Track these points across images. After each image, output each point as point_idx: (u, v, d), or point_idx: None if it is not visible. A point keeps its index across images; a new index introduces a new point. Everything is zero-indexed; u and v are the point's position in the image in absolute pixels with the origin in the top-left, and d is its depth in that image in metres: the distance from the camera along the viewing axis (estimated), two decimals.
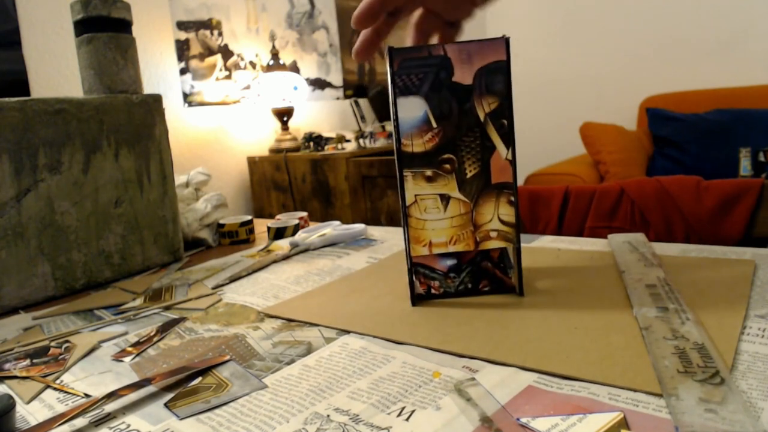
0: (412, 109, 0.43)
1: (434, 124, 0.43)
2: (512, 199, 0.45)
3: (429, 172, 0.44)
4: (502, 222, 0.45)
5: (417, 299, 0.46)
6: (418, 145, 0.43)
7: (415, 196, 0.44)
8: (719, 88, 2.72)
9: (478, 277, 0.47)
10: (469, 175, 0.45)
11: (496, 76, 0.43)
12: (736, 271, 0.46)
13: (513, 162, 0.44)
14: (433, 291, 0.46)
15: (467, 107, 0.44)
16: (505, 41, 0.42)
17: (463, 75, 0.43)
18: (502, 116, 0.44)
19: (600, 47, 3.07)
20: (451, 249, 0.45)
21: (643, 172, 2.55)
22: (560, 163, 2.64)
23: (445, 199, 0.44)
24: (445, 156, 0.44)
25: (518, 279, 0.46)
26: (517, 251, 0.45)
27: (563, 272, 0.50)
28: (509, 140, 0.44)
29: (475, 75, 0.43)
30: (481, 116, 0.44)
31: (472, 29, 3.30)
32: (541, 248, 0.59)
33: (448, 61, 0.43)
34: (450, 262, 0.46)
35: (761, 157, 2.29)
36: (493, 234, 0.45)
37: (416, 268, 0.46)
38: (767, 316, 0.38)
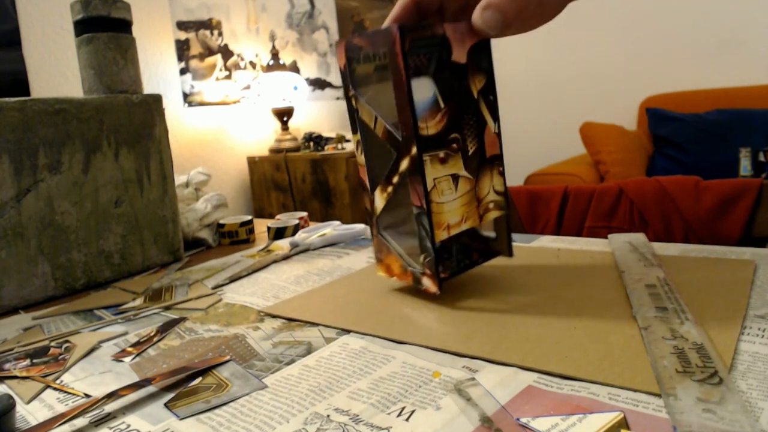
0: (423, 90, 0.42)
1: (442, 105, 0.43)
2: (501, 169, 0.48)
3: (442, 154, 0.43)
4: (496, 192, 0.48)
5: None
6: (431, 127, 0.42)
7: (434, 180, 0.43)
8: (719, 88, 2.72)
9: (467, 252, 0.49)
10: (470, 151, 0.45)
11: (482, 54, 0.45)
12: (736, 270, 0.46)
13: (499, 134, 0.47)
14: (442, 275, 0.46)
15: (464, 85, 0.44)
16: None
17: (459, 54, 0.43)
18: (489, 92, 0.46)
19: (600, 47, 3.07)
20: (464, 227, 0.45)
21: (643, 172, 2.55)
22: (560, 163, 2.64)
23: (456, 179, 0.44)
24: (453, 135, 0.44)
25: (507, 241, 0.50)
26: (507, 217, 0.49)
27: (563, 272, 0.50)
28: (495, 114, 0.46)
29: (468, 54, 0.44)
30: (474, 93, 0.45)
31: None
32: (541, 248, 0.59)
33: (447, 41, 0.42)
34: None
35: (761, 157, 2.29)
36: (491, 205, 0.47)
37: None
38: (767, 316, 0.38)
